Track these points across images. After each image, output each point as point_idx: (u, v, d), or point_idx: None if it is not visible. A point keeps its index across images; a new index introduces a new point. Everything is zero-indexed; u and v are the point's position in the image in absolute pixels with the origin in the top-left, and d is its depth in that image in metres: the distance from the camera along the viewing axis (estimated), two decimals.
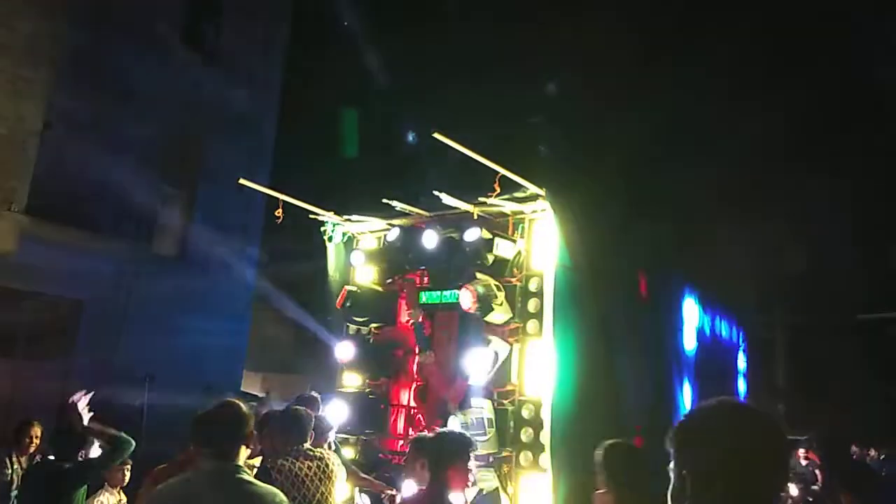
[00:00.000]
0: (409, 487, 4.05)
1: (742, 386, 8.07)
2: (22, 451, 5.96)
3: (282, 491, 3.43)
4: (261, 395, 13.09)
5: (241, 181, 6.27)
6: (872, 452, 8.51)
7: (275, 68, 13.62)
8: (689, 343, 6.65)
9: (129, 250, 11.20)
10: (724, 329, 7.62)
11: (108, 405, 10.27)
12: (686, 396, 6.36)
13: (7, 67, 9.52)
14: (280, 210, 6.07)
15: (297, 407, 4.49)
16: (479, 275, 5.48)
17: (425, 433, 4.49)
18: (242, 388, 12.98)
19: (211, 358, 11.59)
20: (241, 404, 3.13)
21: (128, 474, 5.65)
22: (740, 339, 8.11)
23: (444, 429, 4.67)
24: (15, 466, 5.95)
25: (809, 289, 13.67)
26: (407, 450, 4.14)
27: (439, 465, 3.62)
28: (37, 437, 6.19)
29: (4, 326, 10.30)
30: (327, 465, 3.99)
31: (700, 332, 6.82)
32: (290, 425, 4.02)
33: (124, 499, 5.56)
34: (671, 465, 1.62)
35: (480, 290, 5.35)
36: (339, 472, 4.09)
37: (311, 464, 3.94)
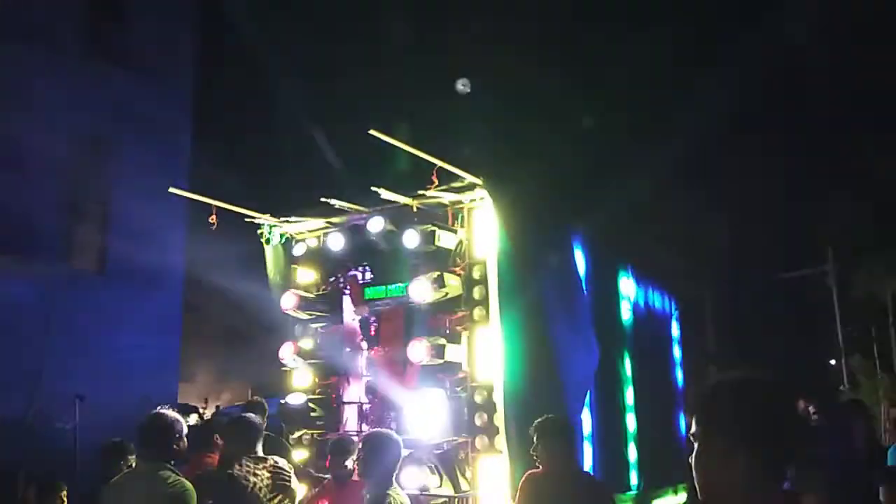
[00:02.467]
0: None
1: (677, 352, 8.63)
2: None
3: (236, 497, 3.65)
4: (200, 405, 12.96)
5: (172, 190, 6.25)
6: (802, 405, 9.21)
7: (185, 69, 13.35)
8: (626, 315, 7.08)
9: (44, 269, 10.84)
10: (656, 300, 8.12)
11: (39, 429, 10.06)
12: (626, 367, 6.80)
13: None
14: (214, 216, 6.10)
15: (247, 413, 4.62)
16: (425, 268, 5.69)
17: (375, 430, 4.71)
18: (179, 401, 12.79)
19: (143, 373, 11.39)
20: (169, 413, 3.77)
21: (65, 500, 5.60)
22: (672, 308, 8.66)
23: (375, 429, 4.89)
24: None
25: (734, 252, 14.54)
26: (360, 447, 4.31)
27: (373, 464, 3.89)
28: None
29: None
30: (280, 472, 4.10)
31: (635, 305, 7.27)
32: (239, 432, 4.14)
33: None
34: (692, 432, 1.71)
35: (426, 280, 5.58)
36: (292, 478, 4.21)
37: (263, 470, 4.05)
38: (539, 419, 4.45)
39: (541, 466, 4.38)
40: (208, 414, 12.68)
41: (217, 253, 11.34)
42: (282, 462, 4.23)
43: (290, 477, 4.19)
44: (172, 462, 3.66)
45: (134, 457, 4.97)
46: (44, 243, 11.03)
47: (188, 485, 3.49)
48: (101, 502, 3.71)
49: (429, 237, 5.76)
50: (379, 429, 5.26)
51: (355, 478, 4.73)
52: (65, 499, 5.59)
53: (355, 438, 5.15)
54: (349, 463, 4.71)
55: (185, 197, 11.26)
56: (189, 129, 13.31)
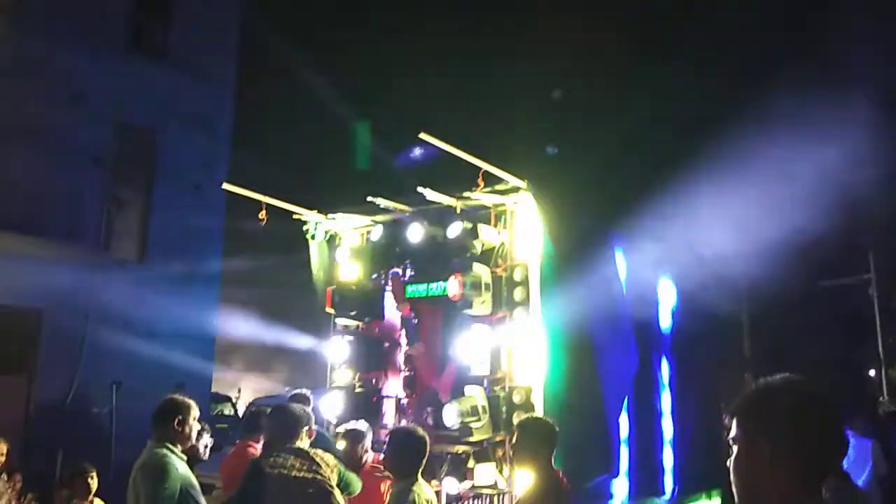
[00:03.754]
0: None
1: (713, 359, 8.68)
2: None
3: (269, 489, 3.86)
4: (233, 395, 13.34)
5: (225, 186, 6.52)
6: None
7: (228, 65, 13.69)
8: (665, 321, 7.21)
9: (86, 256, 11.26)
10: (694, 305, 8.20)
11: (77, 414, 10.47)
12: (664, 373, 6.93)
13: None
14: (264, 212, 6.36)
15: (291, 404, 4.85)
16: (466, 267, 5.89)
17: (408, 426, 4.92)
18: (214, 389, 13.19)
19: (179, 360, 11.77)
20: (176, 398, 4.21)
21: (94, 482, 5.88)
22: (709, 314, 8.71)
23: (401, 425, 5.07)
24: None
25: (772, 259, 14.45)
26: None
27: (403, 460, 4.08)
28: (2, 454, 6.32)
29: None
30: (319, 465, 4.11)
31: (673, 310, 7.39)
32: (281, 421, 4.27)
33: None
34: (733, 436, 1.71)
35: (467, 279, 5.77)
36: (333, 473, 4.21)
37: (301, 462, 4.09)
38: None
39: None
40: (241, 403, 13.05)
41: (255, 246, 11.70)
42: (323, 455, 4.28)
43: (327, 471, 4.19)
44: (175, 443, 4.05)
45: None
46: (86, 231, 11.45)
47: (164, 459, 3.92)
48: None
49: (472, 236, 5.97)
50: (405, 425, 5.49)
51: (370, 465, 4.99)
52: (92, 481, 5.87)
53: (364, 427, 5.27)
54: (359, 450, 4.96)
55: (225, 190, 11.65)
56: (230, 123, 13.65)
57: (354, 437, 5.12)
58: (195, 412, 4.15)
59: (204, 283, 12.84)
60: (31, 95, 10.48)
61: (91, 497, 5.81)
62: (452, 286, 5.79)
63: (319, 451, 4.30)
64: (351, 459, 4.88)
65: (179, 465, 3.97)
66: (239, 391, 13.95)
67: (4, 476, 6.88)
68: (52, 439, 9.89)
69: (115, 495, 6.32)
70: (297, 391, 5.91)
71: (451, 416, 5.75)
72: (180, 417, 4.06)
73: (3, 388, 10.65)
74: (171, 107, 12.27)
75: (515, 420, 5.76)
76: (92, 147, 11.48)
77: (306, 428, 4.27)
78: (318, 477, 4.04)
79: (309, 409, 4.93)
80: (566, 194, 5.87)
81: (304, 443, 4.27)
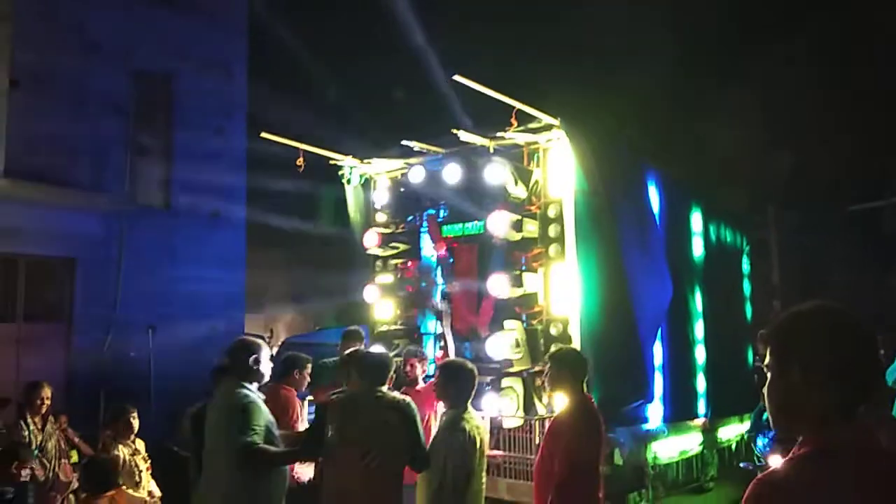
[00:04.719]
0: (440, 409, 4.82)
1: (747, 287, 9.02)
2: (34, 412, 6.42)
3: (328, 421, 4.19)
4: (266, 335, 13.87)
5: (264, 135, 6.77)
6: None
7: (240, 6, 13.69)
8: (697, 251, 7.50)
9: (113, 204, 11.60)
10: (727, 235, 8.48)
11: (115, 358, 11.03)
12: (697, 301, 7.27)
13: None
14: (301, 159, 6.63)
15: (377, 350, 5.17)
16: (501, 205, 6.18)
17: (458, 359, 5.34)
18: (246, 331, 13.71)
19: (210, 304, 12.24)
20: (248, 339, 4.62)
21: (135, 422, 6.30)
22: (743, 243, 9.00)
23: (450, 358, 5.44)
24: (31, 428, 6.52)
25: (799, 184, 14.56)
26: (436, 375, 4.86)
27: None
28: (47, 397, 6.76)
29: (2, 291, 10.83)
30: (390, 408, 4.23)
31: (706, 240, 7.67)
32: (374, 367, 4.40)
33: (141, 445, 6.10)
34: (766, 363, 1.74)
35: (504, 216, 6.07)
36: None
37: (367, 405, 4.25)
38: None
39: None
40: (275, 345, 13.59)
41: (280, 188, 12.00)
42: (406, 399, 4.45)
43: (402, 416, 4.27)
44: (251, 382, 4.30)
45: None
46: (112, 180, 11.76)
47: (247, 399, 4.18)
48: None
49: (506, 173, 6.23)
50: (454, 357, 5.92)
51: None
52: (134, 421, 6.30)
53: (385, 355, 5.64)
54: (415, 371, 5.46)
55: (245, 132, 11.85)
56: (244, 66, 13.74)
57: (410, 355, 5.58)
58: (267, 350, 4.48)
59: (230, 226, 13.21)
60: (47, 47, 10.62)
61: (133, 436, 6.19)
62: (492, 223, 6.08)
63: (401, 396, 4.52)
64: (407, 378, 5.34)
65: (261, 403, 4.26)
66: (271, 332, 14.49)
67: (51, 418, 7.41)
68: (92, 383, 10.43)
69: (155, 434, 6.82)
70: (351, 328, 6.23)
71: (492, 348, 6.15)
72: (255, 356, 4.33)
73: (43, 335, 11.19)
74: (185, 52, 12.37)
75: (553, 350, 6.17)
76: (111, 95, 11.67)
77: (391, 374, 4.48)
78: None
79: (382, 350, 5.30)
80: (598, 129, 6.08)
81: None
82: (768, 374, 1.72)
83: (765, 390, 1.72)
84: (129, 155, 12.27)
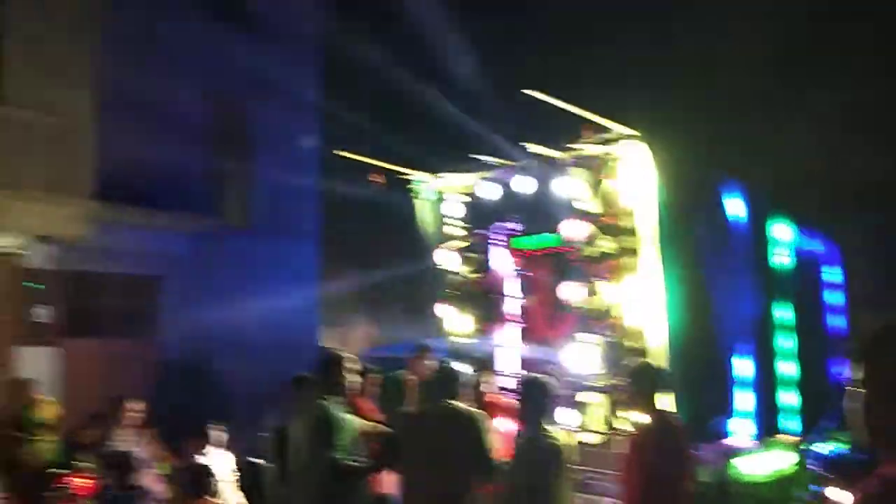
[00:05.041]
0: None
1: (834, 298, 8.59)
2: (121, 425, 6.76)
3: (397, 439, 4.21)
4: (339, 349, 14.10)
5: (338, 152, 6.91)
6: None
7: (316, 29, 14.06)
8: (783, 261, 7.19)
9: (196, 224, 12.08)
10: (813, 244, 8.10)
11: (198, 374, 11.41)
12: (785, 315, 6.97)
13: (53, 58, 10.15)
14: (379, 175, 6.74)
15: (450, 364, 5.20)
16: (575, 216, 6.09)
17: (535, 374, 5.26)
18: (321, 345, 14.02)
19: (288, 319, 12.56)
20: (333, 352, 4.69)
21: (224, 435, 6.48)
22: (831, 253, 8.58)
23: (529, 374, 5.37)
24: (120, 438, 6.79)
25: (889, 188, 13.85)
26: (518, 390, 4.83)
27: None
28: (134, 411, 7.00)
29: (90, 308, 11.38)
30: (457, 420, 4.29)
31: (792, 250, 7.35)
32: (444, 381, 4.50)
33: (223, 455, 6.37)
34: (860, 377, 1.68)
35: (577, 229, 5.98)
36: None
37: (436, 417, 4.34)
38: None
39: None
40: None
41: (353, 206, 12.23)
42: (477, 412, 4.49)
43: (467, 425, 4.31)
44: (338, 395, 4.43)
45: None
46: (195, 201, 12.24)
47: (333, 412, 4.30)
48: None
49: (578, 185, 6.15)
50: (533, 373, 5.83)
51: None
52: (129, 410, 6.43)
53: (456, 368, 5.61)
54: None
55: (319, 152, 12.12)
56: (321, 89, 14.10)
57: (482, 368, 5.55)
58: (350, 363, 4.56)
59: (306, 241, 13.57)
60: (133, 74, 11.14)
61: (211, 449, 6.38)
62: (566, 232, 6.01)
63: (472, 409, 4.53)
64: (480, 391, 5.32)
65: (346, 416, 4.38)
66: (345, 347, 14.70)
67: (141, 431, 7.75)
68: (177, 397, 10.81)
69: (236, 447, 6.97)
70: (421, 343, 6.30)
71: (569, 362, 6.06)
72: (342, 370, 4.49)
73: (132, 351, 11.69)
74: (263, 75, 12.78)
75: (630, 364, 6.02)
76: (194, 120, 12.16)
77: (463, 386, 4.52)
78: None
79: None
80: (676, 138, 5.94)
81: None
82: (861, 391, 1.66)
83: (858, 407, 1.66)
84: (210, 176, 12.77)
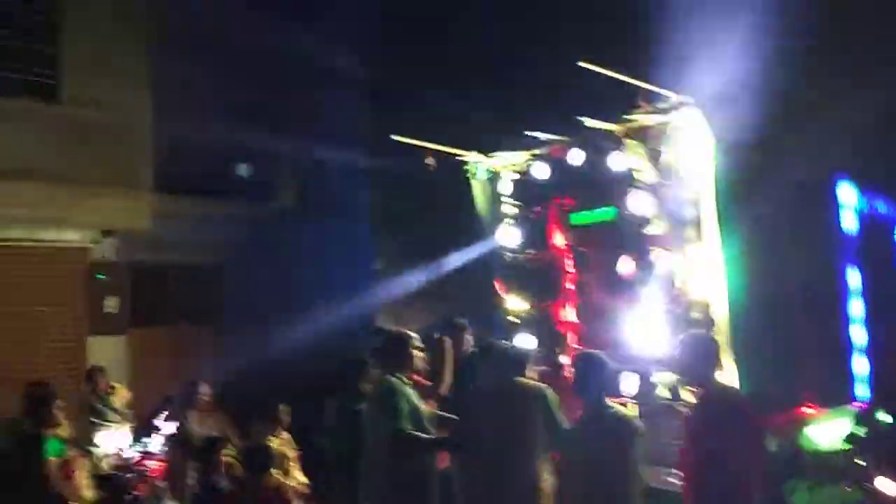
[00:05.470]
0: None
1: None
2: (193, 408, 6.89)
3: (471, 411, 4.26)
4: (391, 328, 14.30)
5: (394, 137, 6.91)
6: None
7: (366, 8, 14.01)
8: (849, 225, 6.96)
9: (252, 211, 12.30)
10: (882, 207, 7.81)
11: (258, 357, 11.67)
12: (853, 279, 6.75)
13: (111, 58, 10.36)
14: (431, 159, 6.73)
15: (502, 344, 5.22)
16: (634, 189, 5.99)
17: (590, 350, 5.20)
18: (378, 324, 14.20)
19: (345, 300, 12.69)
20: (399, 331, 4.83)
21: (287, 417, 6.62)
22: None
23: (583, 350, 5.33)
24: (192, 421, 6.97)
25: None
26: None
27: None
28: (205, 395, 7.19)
29: (159, 298, 11.70)
30: (526, 395, 4.46)
31: (859, 214, 7.09)
32: (512, 360, 4.68)
33: (288, 437, 6.49)
34: None
35: (641, 200, 5.88)
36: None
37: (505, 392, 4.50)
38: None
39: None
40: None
41: (407, 187, 12.25)
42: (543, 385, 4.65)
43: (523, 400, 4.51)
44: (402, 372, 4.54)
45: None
46: (251, 187, 12.45)
47: (395, 387, 4.42)
48: None
49: (636, 157, 6.04)
50: (586, 349, 5.79)
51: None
52: (283, 416, 6.61)
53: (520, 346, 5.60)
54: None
55: (369, 135, 12.15)
56: (369, 70, 14.09)
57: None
58: (415, 342, 4.64)
59: (359, 224, 13.67)
60: (185, 63, 11.26)
61: (280, 429, 6.55)
62: (626, 205, 5.92)
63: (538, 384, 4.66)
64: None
65: (409, 392, 4.48)
66: (397, 325, 14.83)
67: (209, 414, 8.00)
68: (239, 381, 11.04)
69: (296, 426, 7.08)
70: (458, 320, 6.31)
71: (631, 336, 6.00)
72: (408, 348, 4.60)
73: (197, 338, 12.00)
74: (313, 60, 12.83)
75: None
76: (247, 107, 12.27)
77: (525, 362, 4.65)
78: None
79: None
80: (737, 104, 5.76)
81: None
82: None
83: None
84: (265, 163, 12.95)
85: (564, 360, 6.15)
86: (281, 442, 6.35)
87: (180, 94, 10.96)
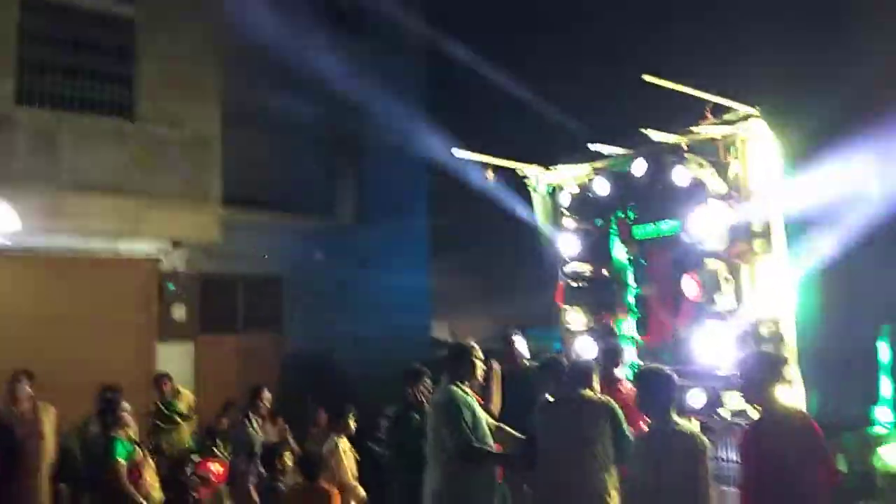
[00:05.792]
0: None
1: None
2: (257, 413, 7.00)
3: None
4: (449, 339, 14.39)
5: (454, 151, 6.97)
6: None
7: (419, 29, 14.23)
8: None
9: (313, 223, 12.57)
10: None
11: (318, 364, 11.83)
12: None
13: (183, 76, 10.74)
14: (490, 172, 6.76)
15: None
16: (698, 203, 5.88)
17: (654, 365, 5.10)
18: (434, 335, 14.33)
19: (401, 312, 12.81)
20: (464, 343, 4.83)
21: (353, 423, 6.69)
22: None
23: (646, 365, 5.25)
24: (255, 426, 7.10)
25: None
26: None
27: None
28: (268, 400, 7.32)
29: (224, 307, 12.03)
30: (594, 408, 4.52)
31: None
32: (578, 372, 4.73)
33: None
34: None
35: (706, 214, 5.77)
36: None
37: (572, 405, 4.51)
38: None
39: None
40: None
41: (464, 200, 12.30)
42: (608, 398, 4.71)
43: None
44: (465, 381, 4.60)
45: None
46: (312, 202, 12.72)
47: (457, 395, 4.48)
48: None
49: (701, 170, 5.92)
50: (651, 365, 5.68)
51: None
52: (351, 420, 6.70)
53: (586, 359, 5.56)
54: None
55: (426, 149, 12.29)
56: (424, 85, 14.31)
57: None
58: (478, 353, 4.67)
59: (416, 235, 13.84)
60: (253, 84, 11.63)
61: (343, 433, 6.62)
62: (690, 219, 5.81)
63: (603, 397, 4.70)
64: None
65: (471, 400, 4.51)
66: (453, 335, 14.91)
67: (272, 419, 8.15)
68: (300, 387, 11.22)
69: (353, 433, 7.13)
70: (512, 330, 6.31)
71: (696, 352, 5.86)
72: (471, 359, 4.65)
73: (260, 344, 12.29)
74: (370, 77, 13.08)
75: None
76: (309, 125, 12.57)
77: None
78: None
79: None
80: (807, 115, 5.62)
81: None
82: None
83: None
84: (325, 178, 13.23)
85: (621, 374, 6.03)
86: (344, 445, 6.43)
87: (248, 112, 11.30)
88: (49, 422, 6.44)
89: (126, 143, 10.21)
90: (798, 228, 5.42)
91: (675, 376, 4.40)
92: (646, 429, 4.51)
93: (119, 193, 9.88)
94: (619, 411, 4.44)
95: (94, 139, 9.96)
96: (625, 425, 4.45)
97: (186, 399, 9.23)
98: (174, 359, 10.74)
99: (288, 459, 5.96)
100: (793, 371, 5.50)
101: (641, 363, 6.38)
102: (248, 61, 11.54)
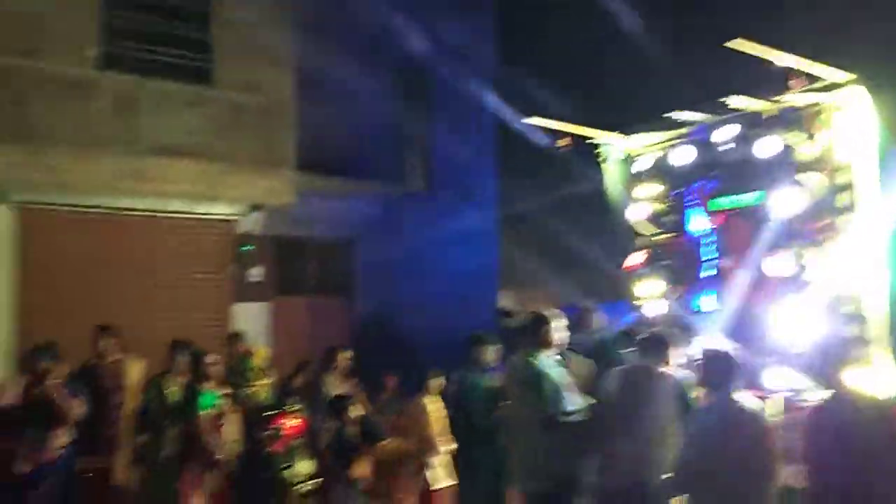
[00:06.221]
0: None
1: None
2: (331, 373, 7.19)
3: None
4: (515, 308, 14.36)
5: (526, 120, 6.85)
6: None
7: None
8: None
9: (383, 190, 12.61)
10: None
11: (388, 329, 11.99)
12: None
13: (257, 42, 10.84)
14: (564, 140, 6.61)
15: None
16: (782, 175, 5.62)
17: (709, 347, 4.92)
18: (500, 304, 14.29)
19: (468, 279, 12.81)
20: (542, 312, 4.79)
21: (438, 384, 6.68)
22: None
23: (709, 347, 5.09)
24: (330, 385, 7.23)
25: None
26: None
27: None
28: (345, 359, 7.41)
29: (296, 269, 12.28)
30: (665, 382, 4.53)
31: None
32: (654, 346, 4.72)
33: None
34: None
35: (793, 185, 5.51)
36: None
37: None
38: None
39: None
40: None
41: (535, 168, 12.17)
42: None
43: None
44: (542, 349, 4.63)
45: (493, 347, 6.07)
46: (383, 168, 12.75)
47: (538, 365, 4.54)
48: None
49: (785, 140, 5.65)
50: (714, 347, 5.48)
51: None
52: (437, 382, 6.70)
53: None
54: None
55: (496, 114, 12.14)
56: (491, 51, 14.06)
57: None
58: (555, 322, 4.65)
59: (484, 204, 13.74)
60: (326, 49, 11.64)
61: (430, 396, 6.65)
62: (776, 198, 5.57)
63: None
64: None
65: (551, 368, 4.55)
66: (522, 307, 14.85)
67: (348, 379, 8.32)
68: (370, 350, 11.39)
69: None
70: (585, 306, 6.23)
71: (775, 328, 5.66)
72: (547, 328, 4.66)
73: (331, 308, 12.51)
74: (440, 42, 12.91)
75: (847, 332, 5.49)
76: (380, 90, 12.55)
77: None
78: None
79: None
80: None
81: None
82: None
83: None
84: (397, 144, 13.24)
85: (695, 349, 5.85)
86: (433, 406, 6.41)
87: (321, 78, 11.33)
88: (135, 375, 6.73)
89: (204, 108, 10.40)
90: (890, 199, 5.10)
91: (736, 354, 4.30)
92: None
93: (197, 158, 10.11)
94: (684, 387, 4.47)
95: (173, 104, 10.19)
96: (692, 402, 4.46)
97: (260, 354, 9.50)
98: (250, 318, 11.04)
99: (356, 411, 6.06)
100: (878, 352, 5.25)
101: (711, 339, 6.20)
102: (320, 27, 11.55)
